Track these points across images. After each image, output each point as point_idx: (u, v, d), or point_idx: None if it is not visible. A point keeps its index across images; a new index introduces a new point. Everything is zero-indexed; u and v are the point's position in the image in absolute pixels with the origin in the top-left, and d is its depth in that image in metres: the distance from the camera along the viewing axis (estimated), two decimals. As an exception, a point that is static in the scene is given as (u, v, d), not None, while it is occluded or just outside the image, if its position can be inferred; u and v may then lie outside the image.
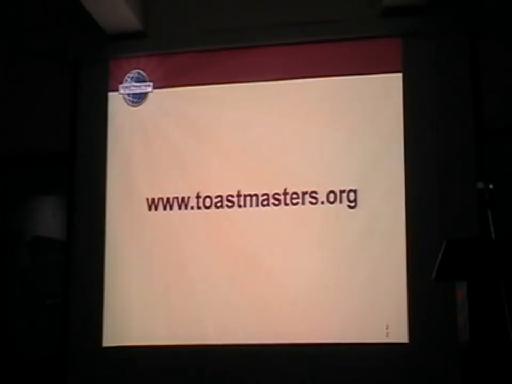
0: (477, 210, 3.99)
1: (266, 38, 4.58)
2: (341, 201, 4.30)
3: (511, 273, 3.14)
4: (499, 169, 4.17)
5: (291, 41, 4.58)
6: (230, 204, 4.44)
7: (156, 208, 4.54)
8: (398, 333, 4.08)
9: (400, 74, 4.42)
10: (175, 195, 4.54)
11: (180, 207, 4.51)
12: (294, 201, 4.36)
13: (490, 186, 3.29)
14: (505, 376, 2.98)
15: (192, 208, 4.50)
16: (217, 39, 4.65)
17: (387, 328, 4.09)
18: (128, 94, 4.74)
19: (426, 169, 4.25)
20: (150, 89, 4.70)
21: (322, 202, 4.33)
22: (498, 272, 3.03)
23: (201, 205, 4.49)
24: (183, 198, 4.52)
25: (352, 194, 4.30)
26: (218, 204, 4.46)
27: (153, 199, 4.55)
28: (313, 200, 4.34)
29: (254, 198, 4.42)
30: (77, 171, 4.72)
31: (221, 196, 4.46)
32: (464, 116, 4.33)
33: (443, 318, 3.85)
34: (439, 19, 4.47)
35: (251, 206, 4.42)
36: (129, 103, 4.72)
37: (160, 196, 4.54)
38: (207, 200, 4.49)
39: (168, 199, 4.53)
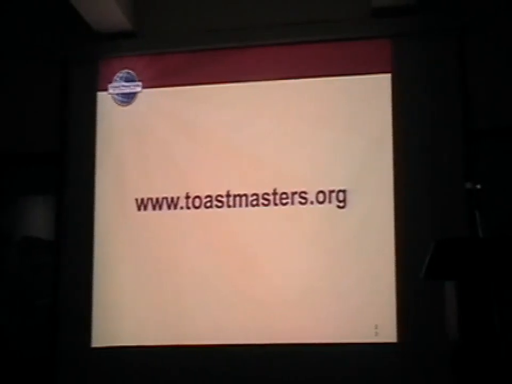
0: (465, 210, 4.01)
1: (257, 38, 4.58)
2: (330, 201, 4.31)
3: (499, 273, 3.18)
4: (487, 170, 4.20)
5: (281, 41, 4.58)
6: (219, 204, 4.44)
7: (145, 208, 4.52)
8: (387, 332, 4.09)
9: (389, 75, 4.43)
10: (165, 195, 4.52)
11: (169, 207, 4.50)
12: (284, 201, 4.36)
13: (478, 186, 3.31)
14: (495, 375, 3.01)
15: (181, 208, 4.49)
16: (207, 39, 4.64)
17: (376, 328, 4.10)
18: (118, 94, 4.72)
19: (415, 170, 4.27)
20: (139, 89, 4.69)
21: (311, 203, 4.33)
22: (487, 272, 3.05)
23: (190, 205, 4.48)
24: (172, 198, 4.51)
25: (341, 194, 4.31)
26: (208, 204, 4.45)
27: (142, 199, 4.53)
28: (303, 200, 4.34)
29: (244, 198, 4.41)
30: (66, 171, 4.70)
31: (210, 196, 4.45)
32: (452, 116, 4.34)
33: (432, 318, 3.85)
34: (428, 20, 4.48)
35: (240, 206, 4.41)
36: (119, 103, 4.71)
37: (150, 195, 4.53)
38: (197, 200, 4.47)
39: (157, 199, 4.52)
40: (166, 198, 4.52)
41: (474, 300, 3.15)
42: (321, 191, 4.33)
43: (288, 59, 4.54)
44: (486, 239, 3.24)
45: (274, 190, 4.39)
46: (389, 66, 4.44)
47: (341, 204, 4.30)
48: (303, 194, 4.34)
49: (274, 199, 4.38)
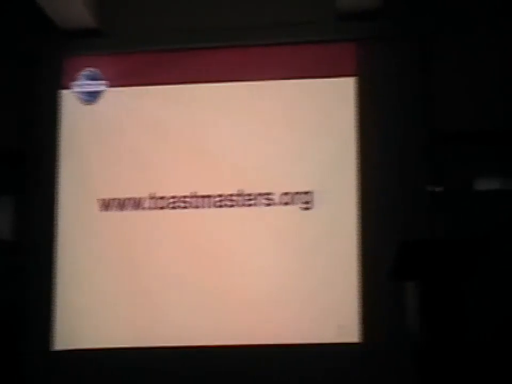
0: (427, 212, 4.09)
1: (223, 40, 4.58)
2: (295, 203, 4.33)
3: (462, 274, 3.24)
4: (450, 172, 4.28)
5: (247, 43, 4.61)
6: (184, 205, 4.42)
7: (109, 209, 4.47)
8: (350, 332, 4.13)
9: (354, 78, 4.48)
10: (129, 195, 4.48)
11: (133, 208, 4.46)
12: (249, 202, 4.37)
13: (440, 189, 3.38)
14: (459, 376, 3.06)
15: (146, 208, 4.45)
16: (174, 39, 4.62)
17: (339, 328, 4.13)
18: (82, 93, 4.66)
19: (379, 172, 4.31)
20: (104, 87, 4.65)
21: (277, 204, 4.35)
22: (450, 272, 3.11)
23: (155, 205, 4.45)
24: (136, 199, 4.47)
25: (306, 196, 4.34)
26: (173, 205, 4.43)
27: (106, 200, 4.48)
28: (268, 202, 4.35)
29: (209, 199, 4.41)
30: (29, 170, 4.61)
31: (175, 197, 4.44)
32: (416, 119, 4.41)
33: (394, 318, 3.92)
34: (392, 24, 4.55)
35: (206, 207, 4.40)
36: (83, 101, 4.64)
37: (114, 196, 4.48)
38: (162, 200, 4.45)
39: (121, 199, 4.47)
40: (131, 199, 4.47)
41: (437, 300, 3.20)
42: (287, 193, 4.35)
43: (255, 61, 4.55)
44: (448, 241, 3.30)
45: (240, 191, 4.39)
46: (354, 69, 4.50)
47: (306, 206, 4.33)
48: (268, 196, 4.36)
49: (240, 200, 4.39)
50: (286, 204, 4.34)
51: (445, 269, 3.19)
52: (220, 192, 4.40)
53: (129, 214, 4.45)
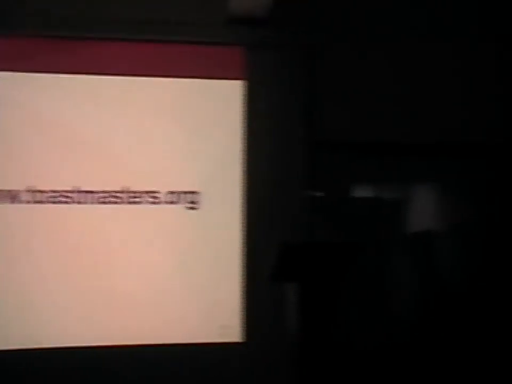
0: (308, 216, 4.27)
1: (112, 32, 4.42)
2: (181, 203, 4.33)
3: (338, 276, 3.42)
4: (329, 179, 4.49)
5: (136, 38, 4.46)
6: (66, 200, 4.24)
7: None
8: (232, 332, 4.20)
9: (241, 82, 4.55)
10: (3, 188, 4.21)
11: (9, 201, 4.21)
12: (134, 200, 4.29)
13: (320, 194, 3.54)
14: (334, 373, 3.24)
15: (23, 202, 4.21)
16: (59, 27, 4.36)
17: (221, 328, 4.20)
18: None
19: (263, 175, 4.42)
20: (-24, 73, 4.34)
21: (162, 203, 4.31)
22: (327, 274, 3.27)
23: (33, 199, 4.23)
24: (12, 191, 4.22)
25: (193, 196, 4.35)
26: (53, 199, 4.23)
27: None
28: (154, 200, 4.31)
29: (92, 194, 4.26)
30: None
31: (56, 191, 4.24)
32: (299, 127, 4.57)
33: (276, 318, 3.99)
34: (281, 33, 4.66)
35: (89, 203, 4.25)
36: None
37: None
38: (40, 194, 4.23)
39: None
40: (5, 191, 4.21)
41: (316, 301, 3.37)
42: (173, 192, 4.33)
43: (145, 56, 4.46)
44: (326, 243, 3.46)
45: (124, 188, 4.30)
46: (242, 73, 4.56)
47: (192, 206, 4.34)
48: (154, 194, 4.31)
49: (124, 197, 4.29)
50: (172, 203, 4.32)
51: (322, 270, 3.36)
52: (104, 188, 4.28)
53: (5, 208, 4.20)
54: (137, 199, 4.31)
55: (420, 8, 4.90)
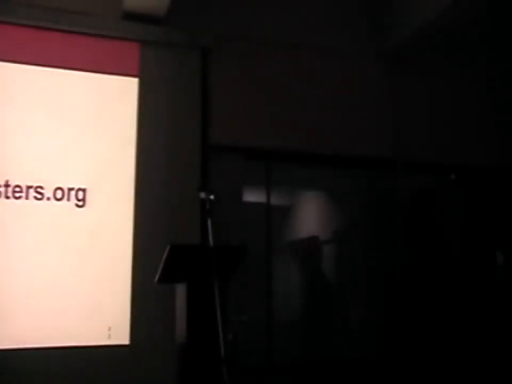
0: (199, 218, 4.25)
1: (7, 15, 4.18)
2: (68, 199, 4.15)
3: (225, 278, 3.44)
4: (220, 182, 4.49)
5: (25, 23, 4.22)
6: None
7: None
8: (120, 334, 4.08)
9: (136, 79, 4.48)
10: None
11: None
12: (17, 194, 4.05)
13: (212, 197, 3.54)
14: (216, 372, 3.23)
15: None
16: None
17: (109, 330, 4.06)
18: None
19: (155, 176, 4.36)
20: None
21: (48, 199, 4.11)
22: (213, 276, 3.28)
23: None
24: None
25: (81, 193, 4.19)
26: None
27: None
28: (39, 196, 4.09)
29: (-29, 188, 3.98)
30: None
31: None
32: (192, 129, 4.56)
33: (164, 320, 3.90)
34: (176, 33, 4.65)
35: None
36: None
37: None
38: None
39: None
40: None
41: (202, 303, 3.35)
42: (60, 188, 4.14)
43: (37, 44, 4.25)
44: (215, 246, 3.47)
45: (6, 181, 4.04)
46: (137, 70, 4.49)
47: (80, 203, 4.18)
48: (39, 189, 4.10)
49: (6, 191, 4.03)
50: (59, 199, 4.13)
51: (209, 272, 3.37)
52: (-18, 182, 3.99)
53: None
54: (20, 194, 4.06)
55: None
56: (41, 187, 4.13)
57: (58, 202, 4.14)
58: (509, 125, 5.58)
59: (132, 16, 4.53)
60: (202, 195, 3.56)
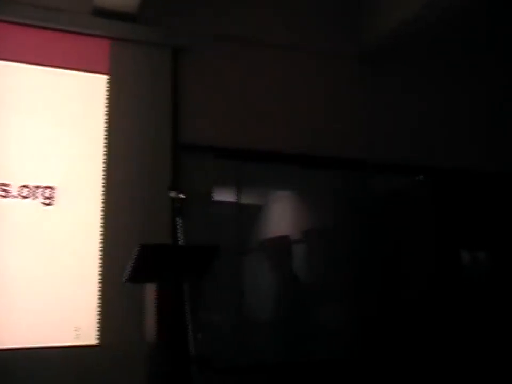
0: (169, 218, 4.19)
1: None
2: (36, 197, 4.05)
3: (197, 278, 3.41)
4: (191, 181, 4.46)
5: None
6: None
7: None
8: (88, 334, 4.00)
9: (106, 77, 4.41)
10: None
11: None
12: (-21, 192, 3.95)
13: (182, 196, 3.51)
14: (187, 374, 3.20)
15: None
16: None
17: (77, 330, 3.98)
18: None
19: (125, 174, 4.29)
20: None
21: (14, 197, 4.00)
22: (183, 276, 3.25)
23: None
24: None
25: (48, 191, 4.09)
26: None
27: None
28: (4, 194, 3.98)
29: None
30: None
31: None
32: (163, 128, 4.51)
33: (133, 320, 3.83)
34: (147, 31, 4.60)
35: None
36: None
37: None
38: None
39: None
40: None
41: (172, 302, 3.32)
42: (26, 186, 4.04)
43: (4, 38, 4.15)
44: (185, 246, 3.44)
45: (-32, 178, 3.93)
46: (107, 67, 4.43)
47: (48, 201, 4.08)
48: (4, 187, 3.98)
49: (-33, 188, 3.93)
50: (25, 197, 4.03)
51: (180, 272, 3.34)
52: None
53: None
54: (-17, 191, 3.96)
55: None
56: (6, 184, 4.01)
57: (24, 201, 4.04)
58: (478, 127, 5.67)
59: (103, 13, 4.47)
60: (173, 194, 3.52)
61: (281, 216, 4.98)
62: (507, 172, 5.61)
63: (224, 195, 4.83)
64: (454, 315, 4.89)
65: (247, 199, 4.87)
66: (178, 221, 3.48)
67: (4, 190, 4.01)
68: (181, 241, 3.39)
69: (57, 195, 4.13)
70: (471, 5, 4.72)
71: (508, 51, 5.86)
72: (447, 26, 5.04)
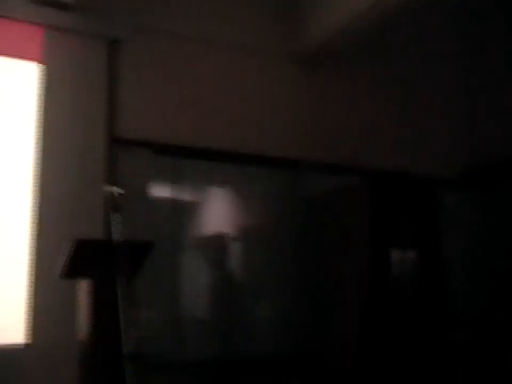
0: (104, 213, 4.09)
1: None
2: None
3: (131, 274, 3.35)
4: (128, 176, 4.37)
5: None
6: None
7: None
8: (17, 333, 3.85)
9: (39, 65, 4.26)
10: None
11: None
12: None
13: (118, 191, 3.44)
14: (120, 372, 3.14)
15: None
16: None
17: (4, 330, 3.82)
18: None
19: (58, 168, 4.15)
20: None
21: None
22: (118, 272, 3.19)
23: None
24: None
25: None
26: None
27: None
28: None
29: None
30: None
31: None
32: (98, 121, 4.39)
33: (66, 318, 3.72)
34: (85, 21, 4.46)
35: None
36: None
37: None
38: None
39: None
40: None
41: (105, 299, 3.25)
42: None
43: None
44: (120, 241, 3.38)
45: None
46: (40, 55, 4.27)
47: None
48: None
49: None
50: None
51: (113, 268, 3.27)
52: None
53: None
54: None
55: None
56: None
57: None
58: (417, 131, 5.82)
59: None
60: (108, 189, 3.45)
61: (218, 213, 4.97)
62: (434, 176, 5.79)
63: (161, 191, 4.77)
64: (384, 311, 5.00)
65: (184, 196, 4.83)
66: (114, 216, 3.40)
67: None
68: (115, 237, 3.33)
69: (-15, 188, 3.94)
70: (411, 4, 4.80)
71: (449, 51, 6.04)
72: (388, 26, 5.13)
